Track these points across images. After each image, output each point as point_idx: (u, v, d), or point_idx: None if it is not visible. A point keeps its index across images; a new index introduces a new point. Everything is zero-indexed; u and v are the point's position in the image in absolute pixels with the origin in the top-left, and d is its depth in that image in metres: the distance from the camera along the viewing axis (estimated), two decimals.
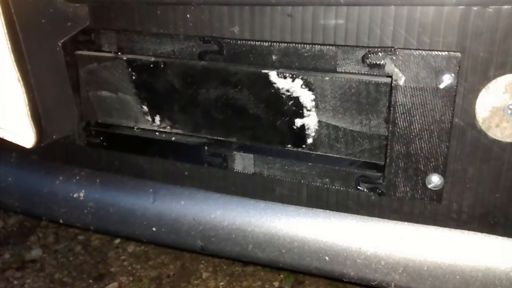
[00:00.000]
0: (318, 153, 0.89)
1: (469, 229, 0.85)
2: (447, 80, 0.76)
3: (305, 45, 0.83)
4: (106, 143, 1.07)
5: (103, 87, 1.02)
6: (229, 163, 0.97)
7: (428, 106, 0.78)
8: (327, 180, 0.90)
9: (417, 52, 0.76)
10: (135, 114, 1.02)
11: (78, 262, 1.87)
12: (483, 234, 0.84)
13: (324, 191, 0.92)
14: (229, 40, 0.88)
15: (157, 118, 1.01)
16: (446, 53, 0.75)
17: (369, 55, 0.80)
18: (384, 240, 0.89)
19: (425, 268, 0.87)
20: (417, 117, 0.79)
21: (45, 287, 1.75)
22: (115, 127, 1.06)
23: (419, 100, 0.78)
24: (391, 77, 0.79)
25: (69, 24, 0.94)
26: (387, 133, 0.83)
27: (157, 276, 1.78)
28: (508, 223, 0.82)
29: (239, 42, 0.88)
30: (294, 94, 0.86)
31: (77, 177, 1.15)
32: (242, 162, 0.96)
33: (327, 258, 0.93)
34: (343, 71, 0.82)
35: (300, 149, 0.90)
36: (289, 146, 0.91)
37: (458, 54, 0.74)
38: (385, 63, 0.79)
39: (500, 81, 0.74)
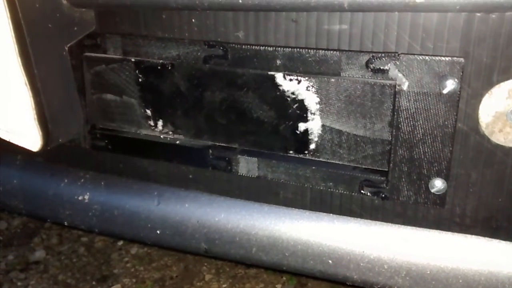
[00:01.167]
0: (322, 157, 0.90)
1: (472, 233, 0.85)
2: (450, 85, 0.76)
3: (309, 50, 0.84)
4: (111, 146, 1.08)
5: (109, 91, 1.03)
6: (233, 167, 0.98)
7: (431, 111, 0.78)
8: (330, 184, 0.91)
9: (421, 57, 0.77)
10: (140, 117, 1.03)
11: (81, 263, 1.88)
12: (486, 238, 0.84)
13: (328, 194, 0.93)
14: (234, 45, 0.89)
15: (162, 121, 1.01)
16: (450, 58, 0.75)
17: (373, 60, 0.80)
18: (387, 244, 0.90)
19: (428, 272, 0.87)
20: (421, 122, 0.80)
21: None
22: (120, 130, 1.07)
23: (423, 105, 0.79)
24: (394, 82, 0.80)
25: (75, 28, 0.94)
26: (390, 138, 0.83)
27: (160, 278, 1.79)
28: (511, 227, 0.82)
29: (243, 46, 0.88)
30: (300, 97, 0.87)
31: (82, 180, 1.15)
32: (246, 166, 0.97)
33: (330, 261, 0.93)
34: (347, 76, 0.83)
35: (304, 153, 0.91)
36: (293, 150, 0.92)
37: (462, 60, 0.75)
38: (389, 68, 0.79)
39: (503, 86, 0.74)
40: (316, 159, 0.91)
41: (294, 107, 0.88)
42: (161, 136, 1.03)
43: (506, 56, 0.73)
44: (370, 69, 0.81)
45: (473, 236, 0.85)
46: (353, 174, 0.88)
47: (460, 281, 0.85)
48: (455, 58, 0.75)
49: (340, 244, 0.92)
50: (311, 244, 0.95)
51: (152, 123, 1.02)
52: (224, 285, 1.74)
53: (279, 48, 0.86)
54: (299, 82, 0.86)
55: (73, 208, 1.16)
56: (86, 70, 1.02)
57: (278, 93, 0.88)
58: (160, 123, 1.02)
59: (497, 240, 0.84)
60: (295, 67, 0.86)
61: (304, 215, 0.96)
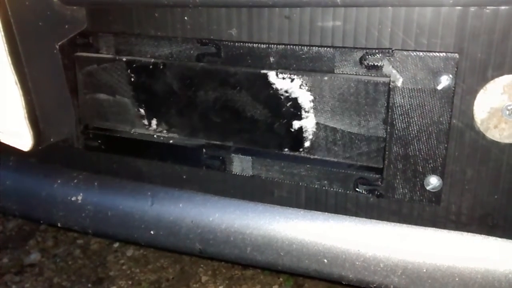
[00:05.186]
0: (316, 155, 0.89)
1: (468, 231, 0.84)
2: (445, 81, 0.75)
3: (302, 47, 0.83)
4: (104, 146, 1.07)
5: (102, 90, 1.02)
6: (228, 166, 0.97)
7: (426, 108, 0.78)
8: (325, 182, 0.90)
9: (415, 53, 0.76)
10: (133, 116, 1.02)
11: (77, 266, 1.87)
12: (482, 235, 0.83)
13: (323, 193, 0.92)
14: (227, 42, 0.88)
15: (155, 120, 1.00)
16: (444, 54, 0.75)
17: (367, 57, 0.80)
18: (383, 242, 0.89)
19: (424, 270, 0.86)
20: (415, 119, 0.79)
21: None
22: (113, 130, 1.06)
23: (417, 101, 0.78)
24: (389, 78, 0.79)
25: (66, 26, 0.93)
26: (385, 135, 0.82)
27: (156, 280, 1.78)
28: (507, 224, 0.81)
29: (236, 44, 0.88)
30: (293, 95, 0.86)
31: (75, 180, 1.14)
32: (241, 165, 0.96)
33: (325, 260, 0.93)
34: (341, 72, 0.82)
35: (298, 151, 0.90)
36: (287, 148, 0.91)
37: (456, 55, 0.74)
38: (383, 65, 0.79)
39: (498, 82, 0.74)
40: (311, 157, 0.90)
41: (288, 105, 0.87)
42: (155, 136, 1.02)
43: (500, 51, 0.72)
44: (364, 66, 0.80)
45: (469, 233, 0.84)
46: (348, 172, 0.88)
47: (457, 279, 0.84)
48: (449, 53, 0.75)
49: (335, 243, 0.92)
50: (306, 243, 0.94)
51: (145, 122, 1.01)
52: (220, 287, 1.72)
53: (272, 45, 0.85)
54: (292, 80, 0.85)
55: (66, 209, 1.15)
56: (78, 69, 1.01)
57: (271, 91, 0.87)
58: (153, 122, 1.01)
59: (493, 238, 0.83)
60: (288, 64, 0.85)
61: (299, 214, 0.95)
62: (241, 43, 0.87)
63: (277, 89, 0.87)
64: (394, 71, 0.78)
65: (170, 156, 1.02)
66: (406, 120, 0.79)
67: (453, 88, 0.75)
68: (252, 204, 0.99)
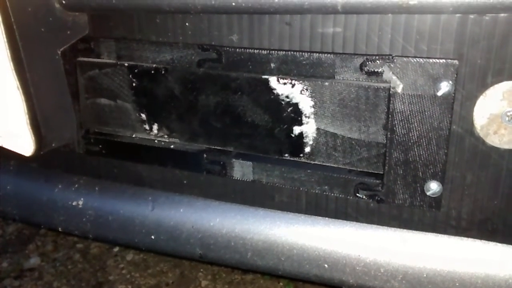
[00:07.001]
0: (317, 160, 0.90)
1: (468, 236, 0.84)
2: (444, 87, 0.76)
3: (303, 53, 0.84)
4: (105, 151, 1.07)
5: (103, 95, 1.02)
6: (228, 171, 0.97)
7: (426, 113, 0.78)
8: (326, 187, 0.90)
9: (415, 60, 0.77)
10: (134, 122, 1.02)
11: (76, 270, 1.87)
12: (482, 241, 0.84)
13: (323, 198, 0.92)
14: (227, 48, 0.89)
15: (156, 126, 1.01)
16: (444, 60, 0.75)
17: (367, 63, 0.80)
18: (383, 247, 0.89)
19: (425, 275, 0.87)
20: (415, 124, 0.79)
21: None
22: (114, 135, 1.06)
23: (417, 107, 0.78)
24: (389, 84, 0.79)
25: (68, 32, 0.94)
26: (385, 141, 0.83)
27: (156, 284, 1.78)
28: (507, 229, 0.82)
29: (237, 50, 0.88)
30: (293, 101, 0.86)
31: (76, 185, 1.14)
32: (241, 170, 0.96)
33: (326, 265, 0.93)
34: (342, 79, 0.82)
35: (299, 156, 0.91)
36: (288, 153, 0.91)
37: (456, 62, 0.75)
38: (383, 71, 0.79)
39: (497, 88, 0.74)
40: (311, 162, 0.90)
41: (289, 110, 0.87)
42: (155, 141, 1.03)
43: (500, 58, 0.73)
44: (364, 72, 0.81)
45: (469, 238, 0.84)
46: (348, 177, 0.88)
47: (457, 284, 0.85)
48: (449, 60, 0.75)
49: (336, 248, 0.92)
50: (306, 248, 0.94)
51: (146, 127, 1.02)
52: None
53: (273, 51, 0.86)
54: (293, 85, 0.85)
55: (67, 214, 1.15)
56: (80, 75, 1.01)
57: (272, 96, 0.87)
58: (154, 127, 1.01)
59: (494, 243, 0.83)
60: (289, 70, 0.86)
61: (300, 219, 0.95)
62: (242, 49, 0.88)
63: (277, 95, 0.87)
64: (394, 77, 0.79)
65: (171, 161, 1.02)
66: (406, 126, 0.80)
67: (453, 94, 0.76)
68: (252, 209, 0.99)
